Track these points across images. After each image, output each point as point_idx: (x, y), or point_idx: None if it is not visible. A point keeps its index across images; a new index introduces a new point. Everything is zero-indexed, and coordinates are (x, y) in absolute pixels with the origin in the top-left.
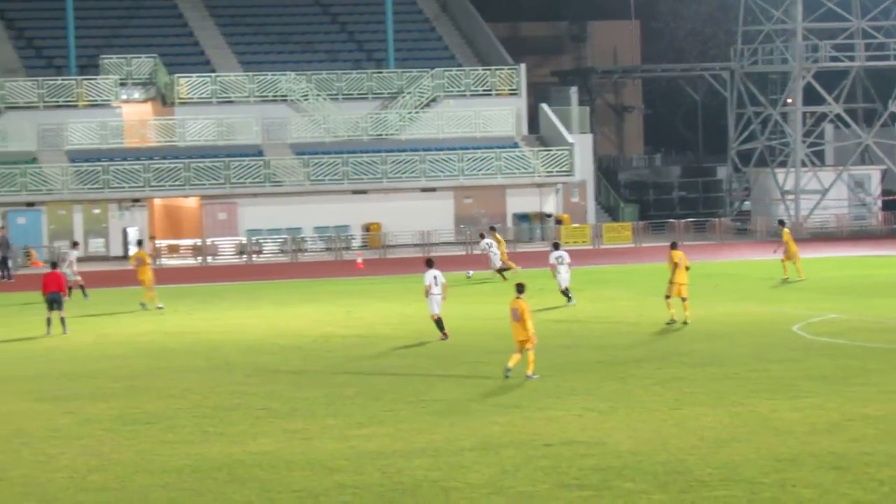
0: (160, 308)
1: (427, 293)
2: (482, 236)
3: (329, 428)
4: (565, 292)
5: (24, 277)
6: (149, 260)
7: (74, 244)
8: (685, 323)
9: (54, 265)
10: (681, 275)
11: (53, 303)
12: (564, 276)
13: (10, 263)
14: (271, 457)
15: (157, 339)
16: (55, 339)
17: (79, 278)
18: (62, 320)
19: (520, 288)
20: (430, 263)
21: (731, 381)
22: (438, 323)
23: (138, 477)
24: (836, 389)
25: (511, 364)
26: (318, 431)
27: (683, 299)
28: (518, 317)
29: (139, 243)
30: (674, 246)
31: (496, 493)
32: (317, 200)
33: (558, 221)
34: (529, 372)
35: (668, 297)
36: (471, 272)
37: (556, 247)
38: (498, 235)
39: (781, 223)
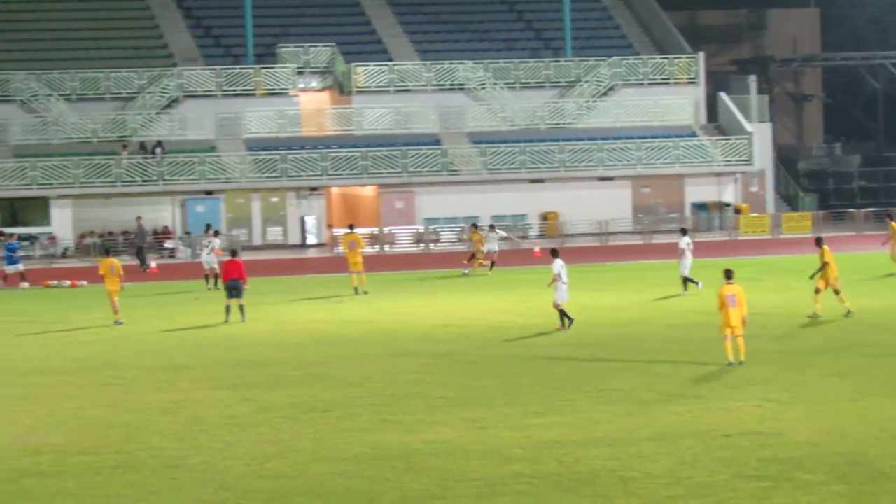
0: (364, 293)
1: (554, 283)
2: (492, 227)
3: (506, 417)
4: (690, 279)
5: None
6: (363, 244)
7: (216, 232)
8: (849, 313)
9: (234, 253)
10: (834, 269)
11: (233, 290)
12: (689, 263)
13: (145, 253)
14: (448, 445)
15: (335, 327)
16: (233, 327)
17: (215, 267)
18: (241, 308)
19: (729, 274)
20: (555, 253)
21: None
22: (562, 313)
23: (315, 465)
24: None
25: (732, 357)
26: (495, 420)
27: (837, 292)
28: (736, 302)
29: (351, 227)
30: (820, 242)
31: (675, 483)
32: (494, 189)
33: (737, 211)
34: (743, 358)
35: (818, 291)
36: (466, 270)
37: (685, 232)
38: (478, 233)
39: (890, 216)
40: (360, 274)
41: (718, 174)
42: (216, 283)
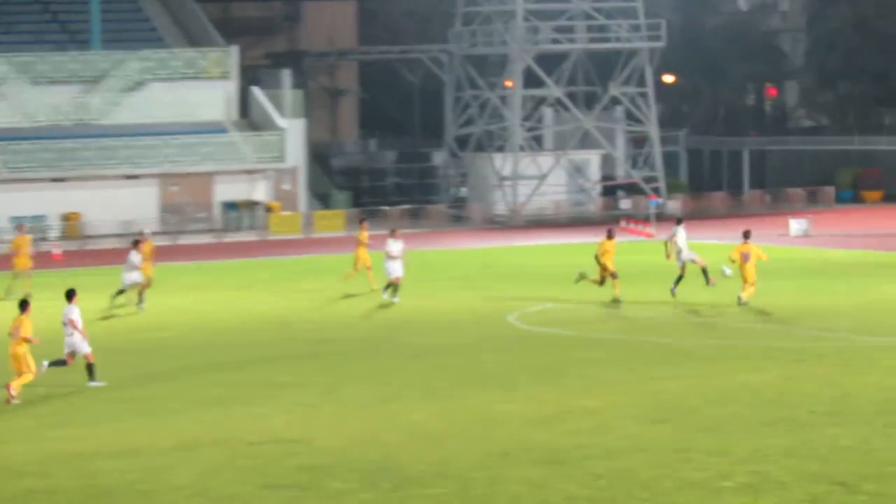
0: None
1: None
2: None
3: (21, 430)
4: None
5: None
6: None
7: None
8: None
9: None
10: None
11: None
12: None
13: None
14: None
15: None
16: None
17: None
18: None
19: (747, 234)
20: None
21: (444, 374)
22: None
23: None
24: (553, 381)
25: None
26: (9, 434)
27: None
28: (749, 258)
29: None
30: (610, 234)
31: (198, 494)
32: (14, 189)
33: (268, 209)
34: (748, 296)
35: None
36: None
37: (679, 222)
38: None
39: (363, 220)
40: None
41: (250, 172)
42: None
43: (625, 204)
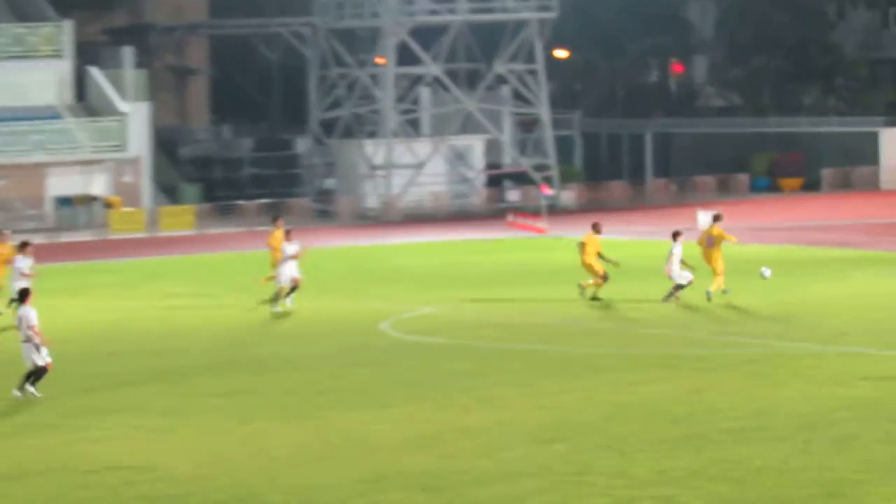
0: None
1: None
2: None
3: None
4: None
5: None
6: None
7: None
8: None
9: None
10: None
11: None
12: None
13: None
14: None
15: None
16: None
17: None
18: None
19: (717, 217)
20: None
21: (308, 390)
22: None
23: None
24: (431, 397)
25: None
26: None
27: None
28: (713, 243)
29: None
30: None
31: None
32: None
33: (107, 205)
34: (716, 288)
35: None
36: None
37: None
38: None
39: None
40: None
41: (86, 162)
42: None
43: (512, 195)
